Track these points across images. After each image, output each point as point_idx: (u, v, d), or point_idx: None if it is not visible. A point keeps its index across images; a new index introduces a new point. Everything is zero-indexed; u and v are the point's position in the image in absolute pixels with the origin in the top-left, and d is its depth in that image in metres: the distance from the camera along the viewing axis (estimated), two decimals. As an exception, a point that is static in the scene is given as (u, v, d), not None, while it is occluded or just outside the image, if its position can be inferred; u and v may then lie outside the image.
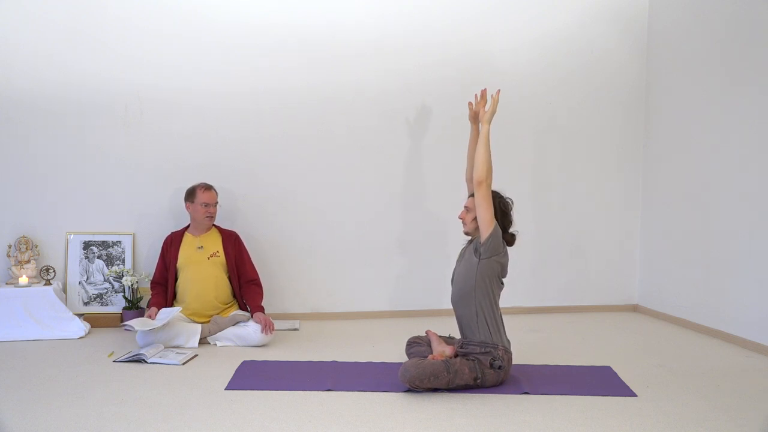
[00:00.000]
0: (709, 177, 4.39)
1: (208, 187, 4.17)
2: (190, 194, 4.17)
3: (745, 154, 4.07)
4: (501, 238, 3.12)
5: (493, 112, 3.27)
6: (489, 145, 3.14)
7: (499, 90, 3.38)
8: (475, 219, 3.19)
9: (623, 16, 5.08)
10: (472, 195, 3.26)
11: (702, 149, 4.47)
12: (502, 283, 3.23)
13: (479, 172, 3.08)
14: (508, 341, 3.19)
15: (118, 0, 4.49)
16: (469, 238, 3.33)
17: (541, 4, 4.98)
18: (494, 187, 3.27)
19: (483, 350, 3.10)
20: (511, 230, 3.22)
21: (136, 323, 3.74)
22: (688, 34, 4.66)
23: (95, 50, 4.49)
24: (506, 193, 3.28)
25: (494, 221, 3.08)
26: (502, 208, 3.18)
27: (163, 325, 3.76)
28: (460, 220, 3.28)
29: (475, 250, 3.14)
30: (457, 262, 3.32)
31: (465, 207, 3.27)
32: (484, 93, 3.44)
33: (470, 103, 3.50)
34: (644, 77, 5.12)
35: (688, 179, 4.61)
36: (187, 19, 4.57)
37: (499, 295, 3.20)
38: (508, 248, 3.22)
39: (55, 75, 4.45)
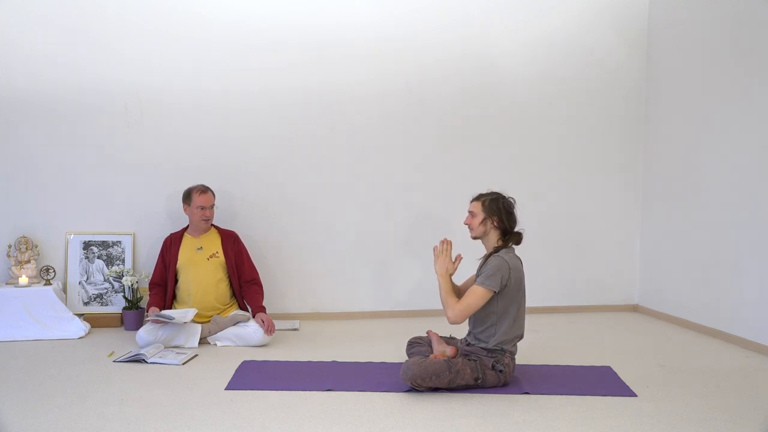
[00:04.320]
0: (710, 177, 4.39)
1: (204, 190, 4.15)
2: (187, 197, 4.16)
3: (745, 153, 4.07)
4: (503, 278, 3.06)
5: (442, 265, 3.16)
6: (446, 297, 3.09)
7: (448, 241, 3.23)
8: (482, 223, 3.18)
9: (623, 17, 5.08)
10: (474, 199, 3.26)
11: (702, 149, 4.47)
12: (524, 294, 3.20)
13: (446, 316, 3.08)
14: (516, 347, 3.19)
15: (119, 0, 4.49)
16: (481, 246, 3.31)
17: (541, 5, 4.98)
18: (496, 188, 3.28)
19: (489, 355, 3.11)
20: (517, 229, 3.22)
21: (173, 313, 3.80)
22: (688, 34, 4.66)
23: (96, 50, 4.49)
24: (507, 193, 3.27)
25: (485, 292, 3.04)
26: (506, 209, 3.18)
27: (171, 323, 3.80)
28: (467, 226, 3.27)
29: None
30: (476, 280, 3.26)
31: (469, 212, 3.25)
32: (444, 243, 3.23)
33: (435, 248, 3.25)
34: (644, 77, 5.12)
35: (688, 179, 4.61)
36: (188, 19, 4.57)
37: (520, 304, 3.17)
38: (516, 247, 3.23)
39: (55, 75, 4.45)
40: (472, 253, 3.38)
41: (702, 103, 4.48)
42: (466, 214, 3.27)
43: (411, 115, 4.86)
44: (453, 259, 3.22)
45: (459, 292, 3.30)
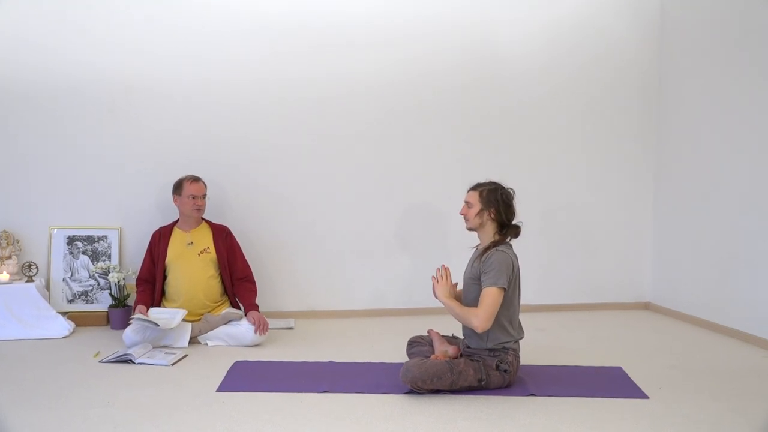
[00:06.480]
0: (724, 169, 4.38)
1: (195, 179, 4.16)
2: (177, 187, 4.16)
3: (762, 145, 4.06)
4: (508, 276, 3.05)
5: (443, 290, 3.13)
6: (462, 312, 3.05)
7: (446, 268, 3.22)
8: (478, 214, 3.17)
9: (635, 2, 5.06)
10: (472, 188, 3.25)
11: (717, 140, 4.46)
12: (519, 294, 3.20)
13: (472, 326, 3.02)
14: (519, 345, 3.19)
15: (103, -18, 4.49)
16: (475, 240, 3.31)
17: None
18: (496, 179, 3.27)
19: (492, 354, 3.11)
20: (515, 222, 3.20)
21: (159, 317, 3.76)
22: (702, 20, 4.64)
23: (81, 37, 4.47)
24: (512, 185, 3.26)
25: (499, 291, 3.01)
26: (504, 200, 3.16)
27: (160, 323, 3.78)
28: (462, 216, 3.26)
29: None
30: (467, 276, 3.25)
31: (465, 202, 3.24)
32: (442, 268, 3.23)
33: (433, 277, 3.23)
34: (657, 66, 5.10)
35: (702, 171, 4.60)
36: (179, 7, 4.56)
37: (514, 296, 3.17)
38: (514, 240, 3.22)
39: (38, 62, 4.43)
40: (468, 248, 3.38)
41: (718, 93, 4.46)
42: (462, 204, 3.26)
43: (412, 109, 4.85)
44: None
45: (460, 295, 3.32)
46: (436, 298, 3.16)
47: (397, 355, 3.66)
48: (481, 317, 2.99)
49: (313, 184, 4.79)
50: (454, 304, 3.09)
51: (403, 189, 4.89)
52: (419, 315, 4.74)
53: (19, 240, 4.44)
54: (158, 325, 3.72)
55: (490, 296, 3.01)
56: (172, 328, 3.83)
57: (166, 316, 3.84)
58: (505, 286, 3.03)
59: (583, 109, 5.07)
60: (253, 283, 4.26)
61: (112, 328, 4.34)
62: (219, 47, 4.62)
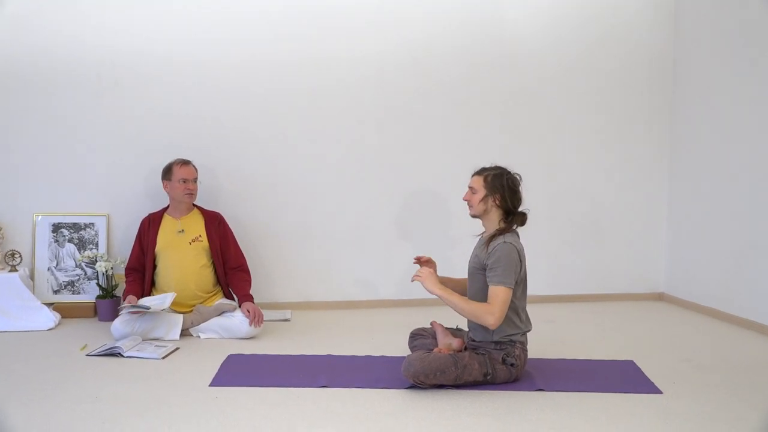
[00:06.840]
0: (742, 154, 4.35)
1: (185, 162, 4.14)
2: (167, 172, 4.14)
3: (784, 126, 4.03)
4: (515, 272, 3.03)
5: (431, 278, 3.08)
6: (470, 308, 3.01)
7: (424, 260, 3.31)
8: (482, 200, 3.14)
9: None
10: (476, 173, 3.22)
11: (735, 124, 4.42)
12: (525, 285, 3.18)
13: (487, 324, 2.98)
14: (526, 337, 3.17)
15: (88, -45, 4.43)
16: (479, 227, 3.28)
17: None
18: (503, 164, 3.24)
19: (498, 347, 3.09)
20: (521, 209, 3.18)
21: (149, 302, 3.77)
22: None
23: (65, 12, 4.43)
24: (519, 170, 3.23)
25: (507, 290, 2.99)
26: (510, 186, 3.13)
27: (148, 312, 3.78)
28: (466, 202, 3.24)
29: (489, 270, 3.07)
30: (472, 265, 3.22)
31: (469, 187, 3.22)
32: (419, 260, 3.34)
33: (415, 277, 3.16)
34: (671, 47, 5.06)
35: (719, 156, 4.57)
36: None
37: (519, 288, 3.14)
38: (520, 228, 3.19)
39: (20, 39, 4.40)
40: (471, 236, 3.35)
41: (735, 73, 4.42)
42: (466, 189, 3.23)
43: (414, 92, 4.83)
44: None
45: (462, 285, 3.29)
46: (430, 292, 3.08)
47: (399, 348, 3.65)
48: (497, 315, 2.96)
49: (311, 169, 4.76)
50: (456, 299, 3.05)
51: (405, 176, 4.86)
52: (422, 306, 4.72)
53: (2, 227, 4.42)
54: (149, 308, 3.72)
55: (502, 293, 2.99)
56: (164, 318, 3.82)
57: (155, 301, 3.84)
58: (512, 286, 3.02)
59: (594, 91, 5.03)
60: (248, 272, 4.25)
61: (100, 319, 4.33)
62: (212, 29, 4.58)
